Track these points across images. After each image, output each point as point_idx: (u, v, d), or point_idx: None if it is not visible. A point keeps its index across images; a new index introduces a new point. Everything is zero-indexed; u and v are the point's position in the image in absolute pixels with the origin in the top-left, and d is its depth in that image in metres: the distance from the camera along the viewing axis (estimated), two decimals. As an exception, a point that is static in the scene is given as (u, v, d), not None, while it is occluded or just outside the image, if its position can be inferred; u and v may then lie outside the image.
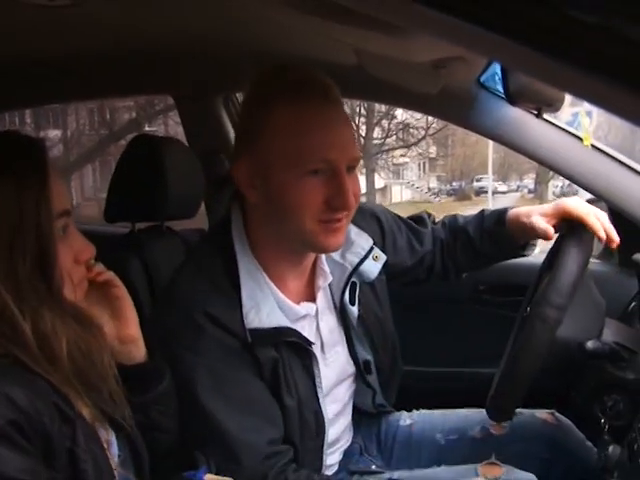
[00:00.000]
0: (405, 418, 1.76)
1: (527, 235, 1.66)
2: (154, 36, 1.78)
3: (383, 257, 1.55)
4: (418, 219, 1.78)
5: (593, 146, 1.85)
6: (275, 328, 1.33)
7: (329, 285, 1.51)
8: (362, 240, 1.52)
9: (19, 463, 0.87)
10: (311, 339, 1.41)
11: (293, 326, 1.37)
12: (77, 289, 1.08)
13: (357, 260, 1.49)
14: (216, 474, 1.19)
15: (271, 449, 1.30)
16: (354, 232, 1.51)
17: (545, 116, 1.88)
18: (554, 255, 1.50)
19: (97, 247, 1.16)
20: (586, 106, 1.99)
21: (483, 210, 1.77)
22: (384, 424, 1.75)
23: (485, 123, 1.94)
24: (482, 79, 1.89)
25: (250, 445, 1.28)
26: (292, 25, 1.56)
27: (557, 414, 1.67)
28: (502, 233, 1.67)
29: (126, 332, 1.18)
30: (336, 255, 1.49)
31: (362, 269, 1.50)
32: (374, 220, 1.65)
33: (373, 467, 1.64)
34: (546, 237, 1.57)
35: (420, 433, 1.70)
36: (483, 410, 1.59)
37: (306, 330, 1.43)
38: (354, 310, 1.52)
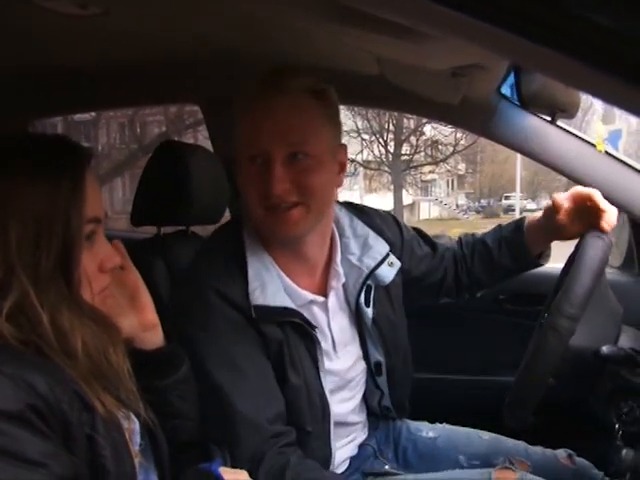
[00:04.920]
0: (427, 430, 1.78)
1: (545, 235, 1.69)
2: (181, 45, 1.82)
3: (398, 264, 1.59)
4: (436, 236, 1.86)
5: (611, 155, 1.85)
6: (279, 307, 1.38)
7: (344, 286, 1.55)
8: (379, 245, 1.57)
9: (40, 447, 0.90)
10: (321, 331, 1.47)
11: (298, 309, 1.42)
12: (96, 297, 1.11)
13: (373, 264, 1.54)
14: (232, 466, 1.22)
15: (272, 428, 1.34)
16: (372, 237, 1.57)
17: (574, 130, 1.90)
18: (570, 264, 1.51)
19: (122, 250, 1.21)
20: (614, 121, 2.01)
21: (500, 224, 1.82)
22: (404, 431, 1.77)
23: (505, 132, 1.95)
24: (503, 89, 1.91)
25: (251, 422, 1.32)
26: (316, 35, 1.59)
27: (575, 456, 1.69)
28: (520, 240, 1.71)
29: (146, 318, 1.23)
30: (353, 258, 1.54)
31: (377, 273, 1.54)
32: (396, 226, 1.72)
33: (387, 467, 1.66)
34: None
35: (443, 450, 1.71)
36: (507, 440, 1.67)
37: (317, 319, 1.48)
38: (369, 312, 1.56)
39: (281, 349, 1.39)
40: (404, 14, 0.79)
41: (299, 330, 1.41)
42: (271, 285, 1.39)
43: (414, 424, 1.80)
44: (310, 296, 1.48)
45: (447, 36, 0.93)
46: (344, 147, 1.50)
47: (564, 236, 1.64)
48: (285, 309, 1.39)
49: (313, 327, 1.43)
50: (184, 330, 1.36)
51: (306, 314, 1.43)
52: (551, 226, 1.64)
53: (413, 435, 1.76)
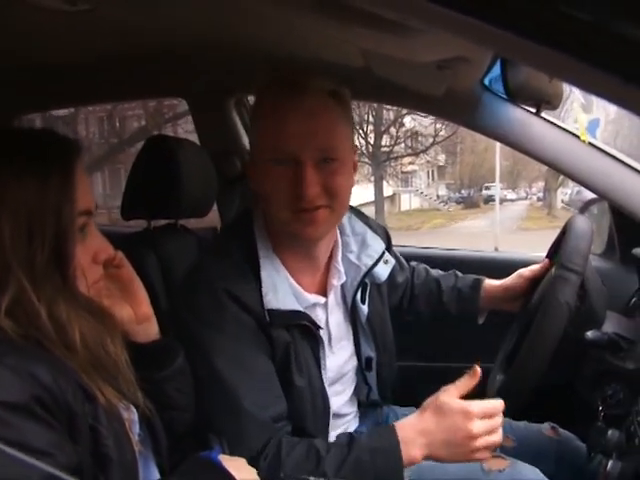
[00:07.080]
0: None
1: (500, 303, 1.87)
2: (168, 39, 1.83)
3: (392, 261, 1.64)
4: None
5: (592, 145, 1.88)
6: (290, 311, 1.40)
7: (342, 284, 1.57)
8: (376, 244, 1.61)
9: (45, 437, 0.91)
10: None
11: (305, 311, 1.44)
12: (91, 288, 1.12)
13: (371, 262, 1.57)
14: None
15: (275, 426, 1.36)
16: (370, 235, 1.61)
17: (556, 121, 1.93)
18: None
19: (114, 244, 1.21)
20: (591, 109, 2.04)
21: (455, 271, 1.96)
22: (392, 416, 1.79)
23: (489, 124, 1.97)
24: (485, 81, 1.94)
25: (257, 418, 1.33)
26: (302, 28, 1.61)
27: (559, 428, 1.74)
28: (474, 299, 1.87)
29: (141, 311, 1.24)
30: (352, 256, 1.56)
31: (374, 271, 1.58)
32: (385, 233, 1.77)
33: None
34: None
35: None
36: None
37: (318, 317, 1.50)
38: (364, 309, 1.59)
39: (288, 352, 1.41)
40: (393, 9, 0.81)
41: (304, 331, 1.44)
42: (282, 288, 1.41)
43: (401, 409, 1.82)
44: (314, 299, 1.50)
45: (435, 30, 0.95)
46: (355, 147, 1.51)
47: (517, 307, 1.83)
48: (295, 312, 1.41)
49: (318, 327, 1.46)
50: (191, 327, 1.37)
51: (309, 314, 1.45)
52: (510, 296, 1.83)
53: (400, 419, 1.78)
